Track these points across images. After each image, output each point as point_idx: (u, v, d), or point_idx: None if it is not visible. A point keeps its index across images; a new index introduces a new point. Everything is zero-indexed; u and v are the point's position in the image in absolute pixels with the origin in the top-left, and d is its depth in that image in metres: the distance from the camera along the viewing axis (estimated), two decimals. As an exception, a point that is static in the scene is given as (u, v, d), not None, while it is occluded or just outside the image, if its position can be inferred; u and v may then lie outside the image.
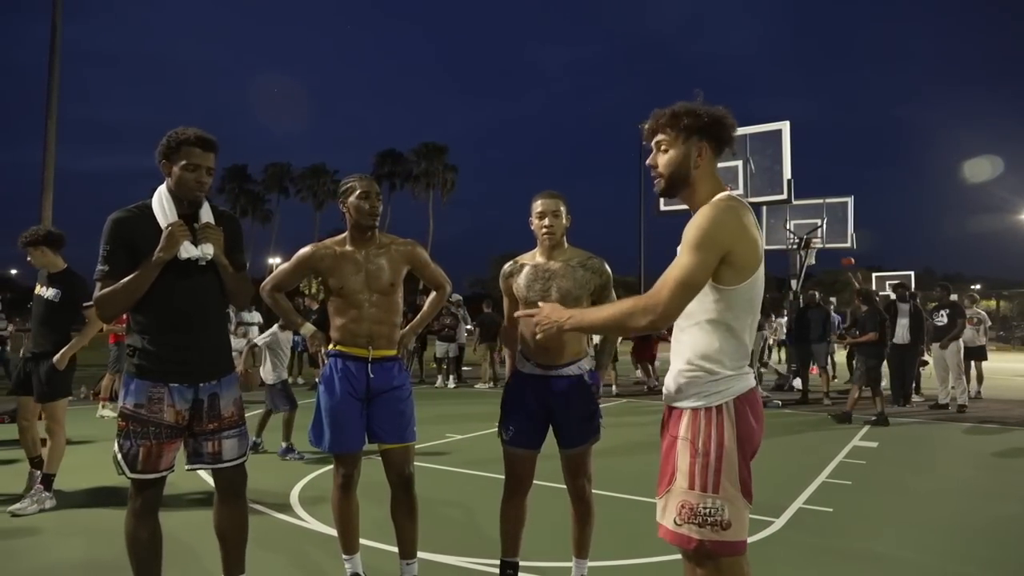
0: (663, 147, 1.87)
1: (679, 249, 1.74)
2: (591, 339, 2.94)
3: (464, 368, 13.63)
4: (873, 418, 8.06)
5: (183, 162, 2.32)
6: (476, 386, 12.38)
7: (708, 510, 1.72)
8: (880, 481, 5.27)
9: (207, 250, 2.35)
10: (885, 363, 8.88)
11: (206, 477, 4.70)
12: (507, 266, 2.90)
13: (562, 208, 2.77)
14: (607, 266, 2.82)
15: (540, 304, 2.04)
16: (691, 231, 1.73)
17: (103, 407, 8.30)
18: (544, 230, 2.74)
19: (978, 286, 34.95)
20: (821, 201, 12.77)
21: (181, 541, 3.42)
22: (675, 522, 1.75)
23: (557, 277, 2.72)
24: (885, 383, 9.03)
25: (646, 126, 1.92)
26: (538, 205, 2.77)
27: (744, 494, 1.74)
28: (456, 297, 12.99)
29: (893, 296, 10.04)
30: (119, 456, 2.34)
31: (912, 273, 19.89)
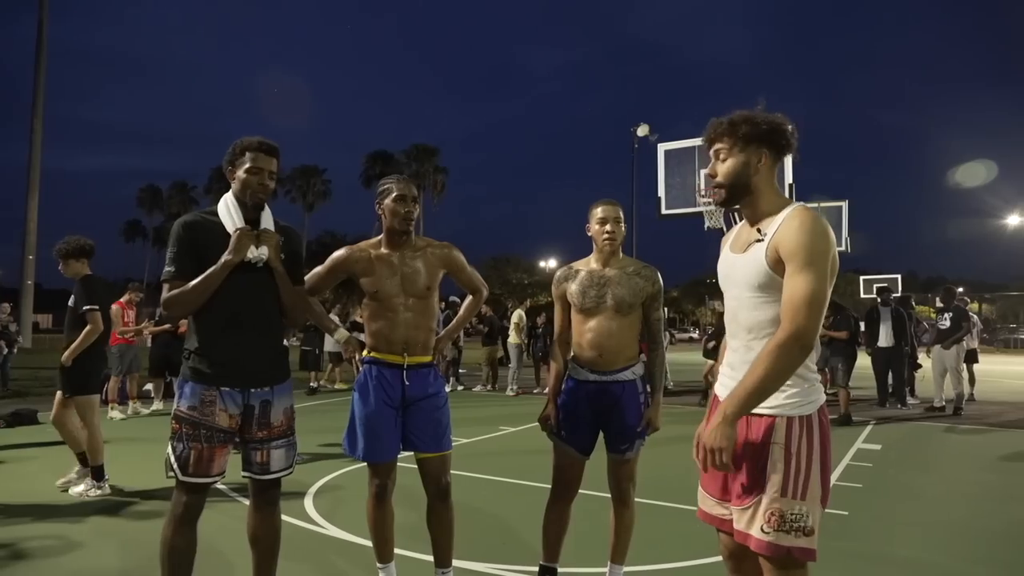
0: (722, 156, 1.86)
1: (788, 265, 1.71)
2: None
3: (460, 371, 13.58)
4: (835, 417, 8.30)
5: (247, 165, 2.40)
6: (474, 389, 12.33)
7: (795, 516, 1.73)
8: (890, 483, 5.30)
9: (262, 252, 2.38)
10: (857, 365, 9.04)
11: (219, 484, 4.65)
12: (560, 272, 2.92)
13: (621, 215, 2.81)
14: (660, 276, 2.83)
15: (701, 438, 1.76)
16: (799, 248, 1.69)
17: (112, 409, 8.35)
18: (606, 236, 2.77)
19: (960, 289, 35.32)
20: (816, 205, 12.88)
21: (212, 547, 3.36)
22: (762, 530, 1.75)
23: (612, 284, 2.74)
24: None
25: (705, 136, 1.91)
26: (599, 212, 2.80)
27: (822, 501, 1.76)
28: (453, 299, 12.95)
29: (879, 300, 10.15)
30: (171, 458, 2.34)
31: (899, 276, 20.11)
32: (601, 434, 2.82)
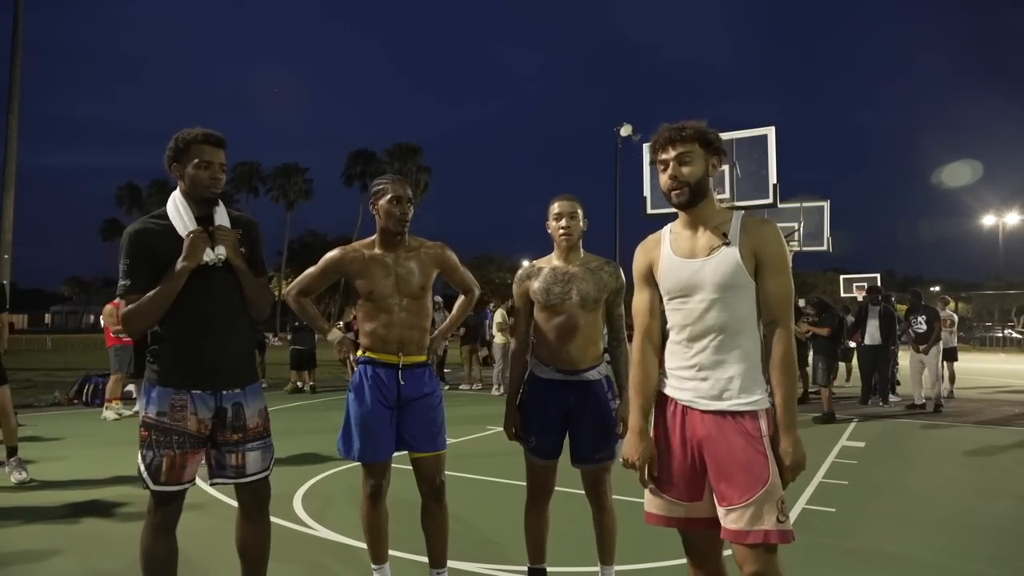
0: (687, 159, 1.97)
1: (773, 269, 1.94)
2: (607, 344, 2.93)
3: (445, 370, 13.55)
4: (819, 415, 8.40)
5: (195, 160, 2.27)
6: (460, 387, 12.33)
7: (785, 501, 1.89)
8: (875, 480, 5.36)
9: (220, 252, 2.28)
10: (848, 363, 9.08)
11: (208, 488, 4.59)
12: (523, 270, 2.87)
13: (579, 210, 2.76)
14: (622, 272, 2.80)
15: (785, 462, 1.90)
16: (778, 252, 1.94)
17: (107, 408, 8.28)
18: (562, 231, 2.73)
19: (937, 288, 35.93)
20: (798, 205, 13.00)
21: (189, 555, 3.31)
22: (779, 519, 1.84)
23: (577, 280, 2.70)
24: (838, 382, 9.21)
25: (665, 139, 1.99)
26: (555, 207, 2.75)
27: None
28: (437, 299, 12.91)
29: (859, 298, 10.33)
30: (142, 467, 2.25)
31: (879, 276, 20.38)
32: (570, 442, 2.76)
